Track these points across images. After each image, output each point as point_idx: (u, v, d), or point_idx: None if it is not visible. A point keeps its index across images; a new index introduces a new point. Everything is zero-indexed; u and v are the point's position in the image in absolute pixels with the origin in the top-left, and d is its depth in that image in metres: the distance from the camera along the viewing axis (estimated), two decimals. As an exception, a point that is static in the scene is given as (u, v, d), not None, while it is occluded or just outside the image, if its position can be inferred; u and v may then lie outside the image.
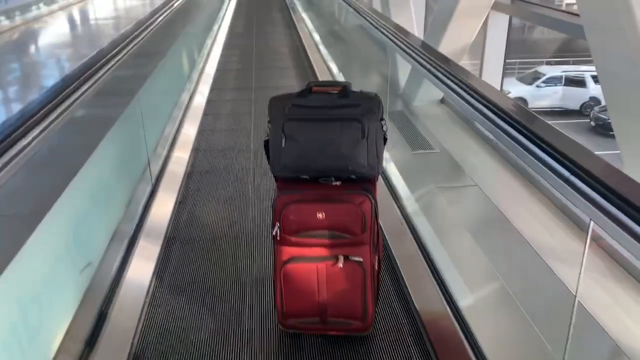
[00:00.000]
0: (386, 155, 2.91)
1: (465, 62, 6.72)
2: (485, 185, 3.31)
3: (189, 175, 3.35)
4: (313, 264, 1.76)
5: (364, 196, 1.73)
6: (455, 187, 3.50)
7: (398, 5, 6.98)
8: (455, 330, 1.95)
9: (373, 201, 1.74)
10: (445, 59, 2.32)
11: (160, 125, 3.63)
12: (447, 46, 5.31)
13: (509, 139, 1.59)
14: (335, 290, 1.77)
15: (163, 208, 2.86)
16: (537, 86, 16.74)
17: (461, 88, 1.99)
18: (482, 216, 3.08)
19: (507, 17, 6.79)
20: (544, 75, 17.01)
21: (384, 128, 1.77)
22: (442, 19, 5.48)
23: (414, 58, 2.58)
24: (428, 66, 2.37)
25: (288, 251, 1.77)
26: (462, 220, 2.89)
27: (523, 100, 15.50)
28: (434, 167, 3.98)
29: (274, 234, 1.76)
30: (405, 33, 2.99)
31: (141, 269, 2.31)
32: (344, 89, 1.74)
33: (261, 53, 7.12)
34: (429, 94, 5.46)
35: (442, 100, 5.63)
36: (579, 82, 16.39)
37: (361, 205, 1.72)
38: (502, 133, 1.64)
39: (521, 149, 1.52)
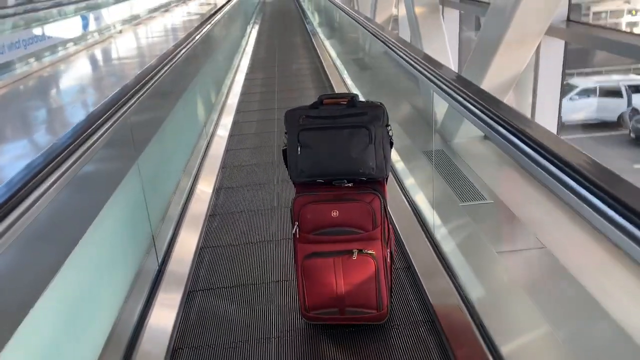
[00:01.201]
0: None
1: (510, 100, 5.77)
2: (557, 249, 2.68)
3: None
4: (330, 259, 1.94)
5: (374, 195, 1.91)
6: (518, 251, 2.92)
7: (429, 36, 6.36)
8: (467, 321, 2.08)
9: (382, 199, 1.92)
10: (489, 97, 1.94)
11: (167, 193, 3.10)
12: (492, 80, 4.72)
13: (578, 199, 1.23)
14: (351, 282, 1.94)
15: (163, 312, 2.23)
16: (571, 99, 16.11)
17: (510, 132, 1.61)
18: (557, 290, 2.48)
19: (563, 42, 5.71)
20: (576, 87, 16.38)
21: (390, 133, 1.96)
22: (487, 49, 4.84)
23: (451, 95, 2.19)
24: (469, 106, 1.98)
25: (307, 248, 1.96)
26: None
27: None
28: (489, 224, 3.38)
29: (293, 232, 1.96)
30: (439, 66, 2.61)
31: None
32: (351, 100, 1.94)
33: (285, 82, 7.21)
34: (471, 129, 4.26)
35: (487, 137, 4.81)
36: (615, 93, 15.82)
37: (371, 203, 1.90)
38: (568, 192, 1.27)
39: (593, 211, 1.18)
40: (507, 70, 4.80)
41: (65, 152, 1.55)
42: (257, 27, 13.52)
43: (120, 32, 11.96)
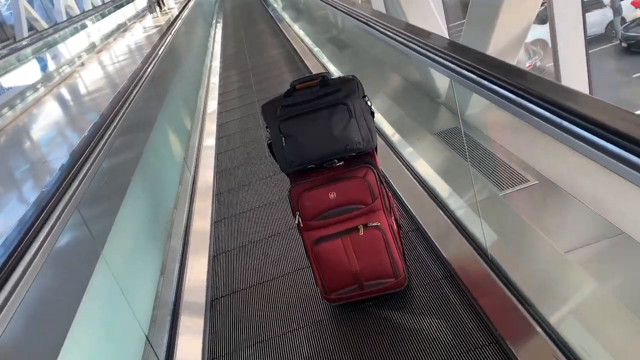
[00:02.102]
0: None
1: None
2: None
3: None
4: (338, 240, 1.95)
5: (367, 168, 1.91)
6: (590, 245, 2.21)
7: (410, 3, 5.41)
8: (484, 269, 2.10)
9: (375, 170, 1.92)
10: (499, 64, 1.67)
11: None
12: (499, 41, 3.94)
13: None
14: (363, 257, 1.96)
15: None
16: None
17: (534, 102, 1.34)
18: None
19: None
20: None
21: (369, 103, 1.95)
22: (488, 6, 4.04)
23: (453, 70, 1.85)
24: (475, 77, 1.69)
25: (313, 234, 1.96)
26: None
27: (543, 42, 13.46)
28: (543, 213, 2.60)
29: (296, 222, 1.96)
30: (428, 35, 2.28)
31: None
32: (323, 79, 1.93)
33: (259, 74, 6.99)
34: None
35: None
36: (597, 4, 14.78)
37: (366, 177, 1.90)
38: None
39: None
40: (514, 27, 3.97)
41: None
42: (220, 24, 13.38)
43: (83, 64, 11.70)
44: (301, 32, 7.97)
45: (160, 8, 24.36)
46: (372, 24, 2.96)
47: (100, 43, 13.53)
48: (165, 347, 2.10)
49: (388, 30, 2.64)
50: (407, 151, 3.25)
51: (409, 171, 2.98)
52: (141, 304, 2.18)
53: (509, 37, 3.96)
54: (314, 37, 7.19)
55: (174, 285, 2.49)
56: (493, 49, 3.95)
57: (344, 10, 3.77)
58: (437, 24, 5.70)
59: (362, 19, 3.21)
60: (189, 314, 2.34)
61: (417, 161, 3.09)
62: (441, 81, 3.21)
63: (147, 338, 1.98)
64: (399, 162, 3.13)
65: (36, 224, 1.39)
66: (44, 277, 1.35)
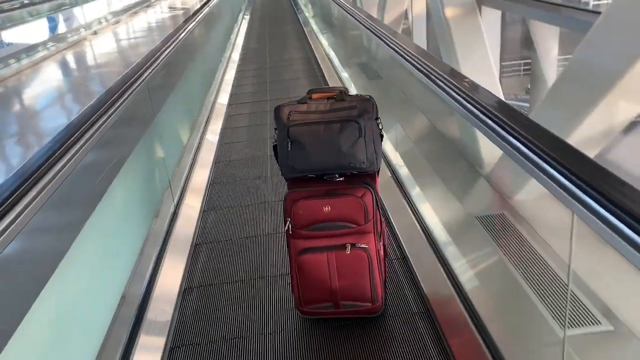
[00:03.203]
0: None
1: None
2: None
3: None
4: (323, 254, 1.94)
5: (365, 189, 1.91)
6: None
7: (465, 44, 4.86)
8: (460, 310, 2.09)
9: (374, 193, 1.92)
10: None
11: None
12: (586, 129, 3.24)
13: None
14: (345, 276, 1.95)
15: None
16: None
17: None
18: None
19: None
20: None
21: (380, 126, 1.96)
22: (591, 85, 3.31)
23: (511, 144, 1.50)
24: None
25: (300, 244, 1.96)
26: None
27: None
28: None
29: (286, 229, 1.95)
30: (479, 90, 1.96)
31: None
32: (340, 94, 1.94)
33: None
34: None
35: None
36: None
37: (363, 197, 1.90)
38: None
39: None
40: (611, 117, 3.21)
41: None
42: (247, 17, 13.41)
43: (95, 32, 11.59)
44: (332, 53, 7.50)
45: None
46: (419, 66, 2.53)
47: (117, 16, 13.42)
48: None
49: (441, 82, 2.21)
50: (416, 191, 3.09)
51: (410, 206, 2.95)
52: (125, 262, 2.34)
53: (600, 128, 3.21)
54: (342, 56, 6.77)
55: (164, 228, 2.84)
56: (576, 137, 3.29)
57: (386, 41, 3.29)
58: (491, 78, 5.18)
59: (408, 57, 2.73)
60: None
61: (424, 204, 2.89)
62: (488, 150, 2.30)
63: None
64: (401, 194, 3.12)
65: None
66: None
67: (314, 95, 1.96)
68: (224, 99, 5.93)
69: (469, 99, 1.90)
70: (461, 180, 2.82)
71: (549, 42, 9.43)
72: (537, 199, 2.09)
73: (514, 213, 2.37)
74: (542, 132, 1.46)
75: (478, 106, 1.80)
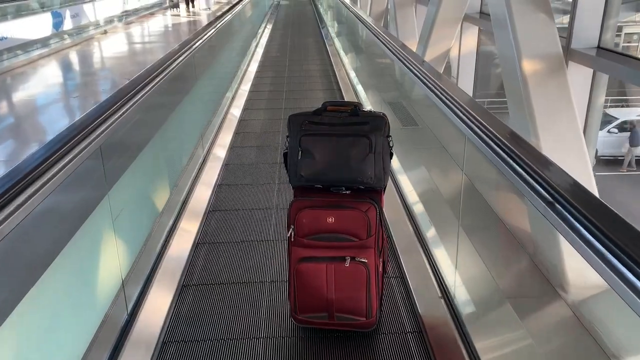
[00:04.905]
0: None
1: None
2: None
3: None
4: (322, 264, 1.96)
5: (370, 204, 1.94)
6: None
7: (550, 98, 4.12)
8: (454, 334, 2.10)
9: (378, 209, 1.95)
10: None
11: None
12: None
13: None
14: (342, 288, 1.97)
15: None
16: (609, 131, 14.61)
17: None
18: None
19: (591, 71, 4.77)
20: (615, 119, 14.80)
21: (390, 144, 1.99)
22: None
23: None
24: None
25: (300, 252, 1.98)
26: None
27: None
28: None
29: (288, 235, 1.98)
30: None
31: None
32: (354, 109, 1.97)
33: None
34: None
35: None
36: None
37: (367, 212, 1.93)
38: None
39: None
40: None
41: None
42: (269, 27, 13.49)
43: (105, 32, 11.70)
44: (353, 75, 6.99)
45: (188, 6, 23.92)
46: (460, 112, 2.15)
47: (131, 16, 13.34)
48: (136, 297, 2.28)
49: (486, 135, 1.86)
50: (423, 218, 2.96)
51: (411, 223, 2.97)
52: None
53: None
54: (370, 90, 5.92)
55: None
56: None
57: (422, 78, 2.84)
58: (582, 157, 4.39)
59: (464, 115, 2.11)
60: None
61: (430, 230, 2.81)
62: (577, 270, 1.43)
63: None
64: (404, 210, 3.13)
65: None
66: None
67: (329, 107, 2.00)
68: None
69: (555, 195, 1.33)
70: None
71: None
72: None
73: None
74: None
75: (570, 208, 1.26)
